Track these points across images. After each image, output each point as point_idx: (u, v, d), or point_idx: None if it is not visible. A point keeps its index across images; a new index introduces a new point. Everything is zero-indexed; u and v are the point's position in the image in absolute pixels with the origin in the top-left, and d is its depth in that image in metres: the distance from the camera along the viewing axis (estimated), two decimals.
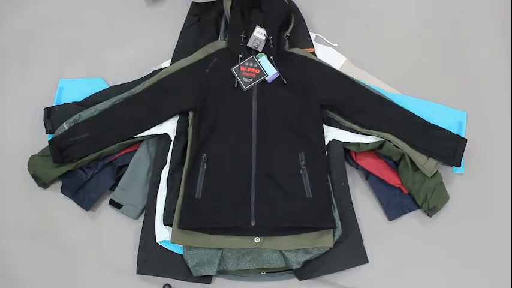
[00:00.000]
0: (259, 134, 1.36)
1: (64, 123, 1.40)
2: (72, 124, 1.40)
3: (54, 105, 1.53)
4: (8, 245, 1.43)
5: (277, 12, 1.46)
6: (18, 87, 1.63)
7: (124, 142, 1.41)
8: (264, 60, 1.44)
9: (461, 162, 1.45)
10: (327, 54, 1.60)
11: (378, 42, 1.66)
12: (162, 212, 1.34)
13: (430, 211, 1.39)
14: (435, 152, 1.38)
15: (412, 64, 1.63)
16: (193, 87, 1.41)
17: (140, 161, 1.44)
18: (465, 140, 1.40)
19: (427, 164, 1.37)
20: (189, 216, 1.29)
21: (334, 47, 1.64)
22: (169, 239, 1.32)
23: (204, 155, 1.34)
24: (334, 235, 1.31)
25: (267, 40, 1.44)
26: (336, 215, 1.33)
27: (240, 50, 1.43)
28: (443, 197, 1.40)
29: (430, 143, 1.39)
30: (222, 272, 1.34)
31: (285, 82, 1.41)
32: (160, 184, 1.38)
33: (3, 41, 1.71)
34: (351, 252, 1.34)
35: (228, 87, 1.41)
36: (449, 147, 1.39)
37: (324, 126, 1.43)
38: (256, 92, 1.41)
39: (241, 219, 1.29)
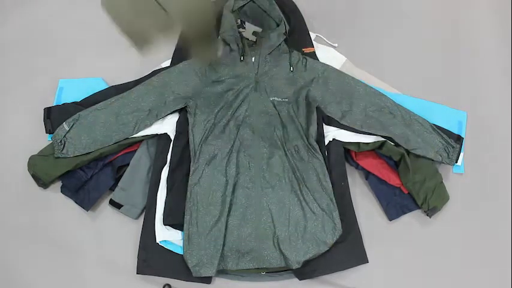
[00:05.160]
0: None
1: (64, 123, 1.40)
2: (72, 124, 1.40)
3: (54, 105, 1.53)
4: (8, 245, 1.43)
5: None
6: (18, 87, 1.63)
7: (124, 142, 1.41)
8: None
9: (461, 162, 1.45)
10: (327, 54, 1.60)
11: (378, 42, 1.67)
12: (162, 212, 1.34)
13: (430, 211, 1.39)
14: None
15: (412, 64, 1.63)
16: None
17: (140, 161, 1.44)
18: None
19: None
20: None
21: (334, 47, 1.64)
22: (169, 239, 1.32)
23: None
24: (334, 235, 1.31)
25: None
26: (336, 215, 1.33)
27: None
28: (443, 197, 1.40)
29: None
30: (222, 272, 1.34)
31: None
32: (160, 184, 1.38)
33: (3, 41, 1.71)
34: (351, 252, 1.34)
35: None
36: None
37: (324, 126, 1.43)
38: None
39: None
